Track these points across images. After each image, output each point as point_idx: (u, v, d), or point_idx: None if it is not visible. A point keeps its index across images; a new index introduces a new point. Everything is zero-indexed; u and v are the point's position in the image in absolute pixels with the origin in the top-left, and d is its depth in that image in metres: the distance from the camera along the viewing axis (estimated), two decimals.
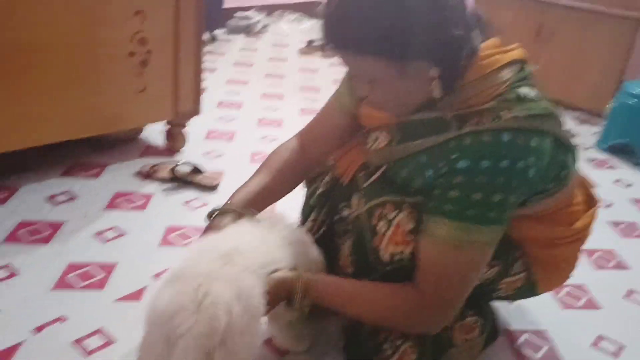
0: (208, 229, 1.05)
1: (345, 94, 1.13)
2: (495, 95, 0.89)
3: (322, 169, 1.22)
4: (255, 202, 1.08)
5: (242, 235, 0.97)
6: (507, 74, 0.91)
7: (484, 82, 0.90)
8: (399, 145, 0.98)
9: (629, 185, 2.16)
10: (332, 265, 1.11)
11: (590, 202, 1.10)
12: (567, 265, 1.11)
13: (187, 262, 0.90)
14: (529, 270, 1.08)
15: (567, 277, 1.12)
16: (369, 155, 1.06)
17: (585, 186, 1.11)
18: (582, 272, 1.51)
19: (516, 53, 0.94)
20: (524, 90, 0.90)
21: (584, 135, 2.67)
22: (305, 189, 1.30)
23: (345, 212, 1.07)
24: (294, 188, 1.21)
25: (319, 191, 1.20)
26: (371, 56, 0.84)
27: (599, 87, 2.82)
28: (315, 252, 1.08)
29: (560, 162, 0.94)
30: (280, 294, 0.96)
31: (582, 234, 1.07)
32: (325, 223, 1.18)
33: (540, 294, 1.14)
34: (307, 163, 1.20)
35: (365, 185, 1.03)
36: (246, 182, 1.14)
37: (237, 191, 1.11)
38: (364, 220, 1.00)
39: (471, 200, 0.86)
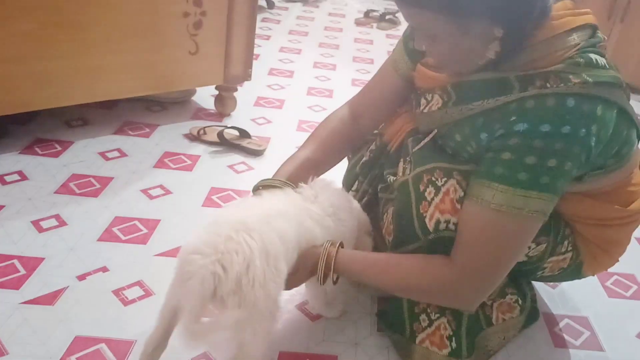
0: None
1: (400, 58, 1.10)
2: (564, 58, 0.85)
3: (369, 137, 1.20)
4: (301, 174, 1.06)
5: (285, 201, 0.97)
6: (578, 37, 0.86)
7: (553, 43, 0.85)
8: (454, 108, 0.94)
9: None
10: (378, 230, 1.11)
11: None
12: (617, 249, 1.05)
13: (226, 211, 0.92)
14: (577, 250, 1.04)
15: (616, 261, 1.07)
16: (419, 119, 1.03)
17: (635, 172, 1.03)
18: (635, 261, 1.44)
19: (588, 17, 0.89)
20: (594, 56, 0.85)
21: None
22: (349, 159, 1.29)
23: (391, 179, 1.05)
24: (343, 158, 1.21)
25: (363, 159, 1.19)
26: (431, 12, 0.81)
27: None
28: (363, 217, 1.09)
29: (623, 137, 0.89)
30: (306, 266, 0.96)
31: (637, 216, 1.01)
32: (368, 192, 1.17)
33: (585, 277, 1.10)
34: (358, 131, 1.18)
35: (414, 150, 1.00)
36: (293, 155, 1.12)
37: (283, 164, 1.10)
38: (411, 185, 0.96)
39: (524, 163, 0.81)
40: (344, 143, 1.17)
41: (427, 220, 0.92)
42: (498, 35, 0.82)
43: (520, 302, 1.09)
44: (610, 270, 1.35)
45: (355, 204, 1.12)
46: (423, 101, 1.03)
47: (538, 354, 1.11)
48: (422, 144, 1.01)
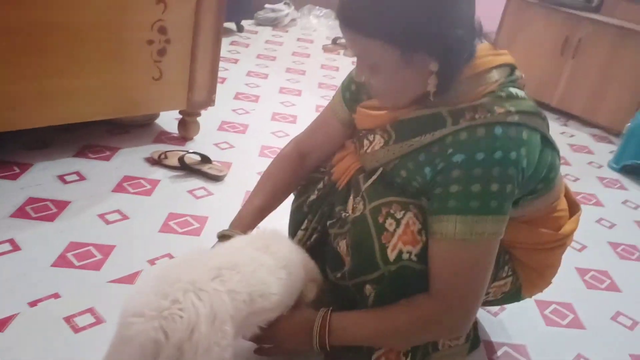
0: None
1: (339, 107, 1.18)
2: (486, 92, 0.93)
3: (316, 176, 1.26)
4: (257, 222, 1.17)
5: (236, 252, 0.97)
6: (497, 74, 0.95)
7: (477, 80, 0.94)
8: (396, 145, 1.01)
9: (636, 207, 2.14)
10: (323, 272, 1.15)
11: (574, 208, 1.13)
12: (550, 270, 1.14)
13: (174, 266, 0.90)
14: (516, 274, 1.12)
15: (549, 282, 1.17)
16: (364, 159, 1.09)
17: (569, 193, 1.15)
18: (572, 291, 1.53)
19: (507, 58, 0.98)
20: (514, 90, 0.95)
21: (600, 153, 2.64)
22: (294, 199, 1.34)
23: (344, 214, 1.09)
24: (289, 195, 1.27)
25: (311, 198, 1.23)
26: (379, 40, 0.87)
27: (620, 106, 2.78)
28: (310, 266, 1.10)
29: (549, 161, 0.98)
30: (297, 336, 1.02)
31: (565, 240, 1.10)
32: (317, 230, 1.21)
33: (523, 299, 1.18)
34: (305, 169, 1.25)
35: (365, 186, 1.05)
36: (248, 202, 1.21)
37: (240, 212, 1.19)
38: (369, 218, 1.00)
39: (472, 192, 0.88)
40: (292, 183, 1.25)
41: (389, 250, 0.97)
42: (434, 69, 0.90)
43: None
44: (548, 299, 1.44)
45: (303, 254, 1.11)
46: (366, 142, 1.09)
47: None
48: (371, 180, 1.06)
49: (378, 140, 1.05)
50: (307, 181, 1.27)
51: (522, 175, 0.91)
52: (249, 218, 1.16)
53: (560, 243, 1.10)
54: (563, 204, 1.11)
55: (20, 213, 1.45)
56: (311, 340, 1.00)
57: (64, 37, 1.56)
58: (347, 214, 1.07)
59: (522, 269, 1.12)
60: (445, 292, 0.93)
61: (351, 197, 1.08)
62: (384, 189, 1.02)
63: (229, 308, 0.84)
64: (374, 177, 1.05)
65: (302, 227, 1.24)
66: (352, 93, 1.17)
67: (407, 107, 1.00)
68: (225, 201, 1.69)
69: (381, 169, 1.05)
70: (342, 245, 1.08)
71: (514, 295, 1.16)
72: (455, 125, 0.92)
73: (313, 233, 1.22)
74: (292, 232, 1.30)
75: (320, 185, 1.21)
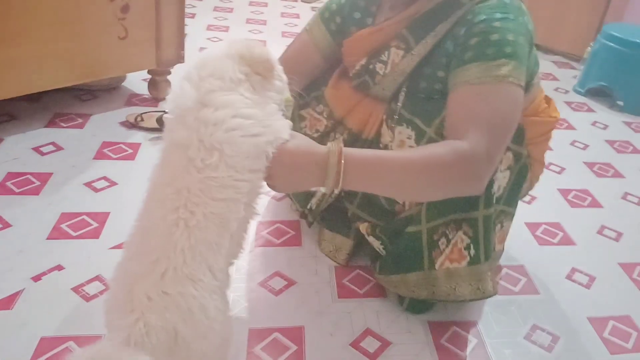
0: None
1: (321, 34, 1.18)
2: None
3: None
4: None
5: None
6: None
7: None
8: (420, 45, 1.03)
9: (605, 127, 2.23)
10: (380, 211, 1.16)
11: (547, 100, 1.20)
12: (539, 166, 1.20)
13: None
14: (531, 169, 1.17)
15: (538, 179, 1.23)
16: (384, 83, 1.10)
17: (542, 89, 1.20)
18: (558, 211, 1.60)
19: None
20: None
21: (564, 78, 2.71)
22: None
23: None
24: None
25: None
26: None
27: (580, 30, 2.83)
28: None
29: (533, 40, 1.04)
30: (308, 169, 0.88)
31: (550, 134, 1.18)
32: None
33: (530, 190, 1.25)
34: None
35: (404, 104, 1.06)
36: None
37: None
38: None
39: (490, 40, 0.94)
40: None
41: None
42: None
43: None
44: (537, 220, 1.51)
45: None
46: (379, 66, 1.09)
47: (483, 302, 1.22)
48: (399, 102, 1.07)
49: (395, 54, 1.07)
50: None
51: (530, 36, 0.99)
52: None
53: (547, 137, 1.18)
54: (542, 95, 1.18)
55: (3, 189, 1.39)
56: (323, 176, 0.88)
57: (17, 2, 1.44)
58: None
59: (532, 164, 1.17)
60: (471, 131, 0.90)
61: (398, 136, 1.07)
62: (420, 105, 1.04)
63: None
64: (400, 101, 1.07)
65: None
66: (338, 25, 1.17)
67: (417, 3, 1.03)
68: None
69: (405, 89, 1.07)
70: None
71: (525, 191, 1.22)
72: (471, 1, 0.99)
73: (331, 194, 1.22)
74: (304, 197, 1.29)
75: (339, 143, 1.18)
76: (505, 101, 0.93)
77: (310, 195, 1.27)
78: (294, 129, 1.24)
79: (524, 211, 1.53)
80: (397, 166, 0.89)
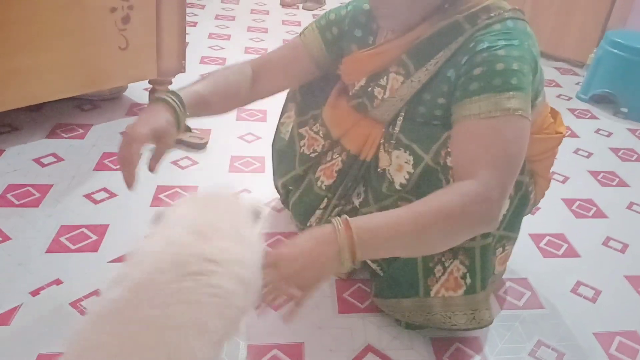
0: (144, 111, 0.99)
1: (314, 40, 1.17)
2: None
3: (304, 164, 1.24)
4: (190, 106, 1.01)
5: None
6: None
7: None
8: (419, 71, 1.02)
9: (609, 135, 2.21)
10: None
11: (553, 113, 1.19)
12: (544, 182, 1.19)
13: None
14: (535, 185, 1.17)
15: (543, 195, 1.22)
16: (383, 107, 1.08)
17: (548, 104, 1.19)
18: (562, 221, 1.58)
19: None
20: None
21: (567, 85, 2.69)
22: (290, 187, 1.33)
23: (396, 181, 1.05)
24: (226, 112, 1.17)
25: (326, 183, 1.20)
26: None
27: (583, 36, 2.82)
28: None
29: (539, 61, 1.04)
30: (321, 260, 0.83)
31: (555, 150, 1.17)
32: (338, 205, 1.20)
33: (535, 205, 1.24)
34: (251, 94, 1.17)
35: (398, 129, 1.06)
36: (192, 84, 1.07)
37: (180, 88, 1.04)
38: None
39: (495, 70, 0.92)
40: (235, 99, 1.15)
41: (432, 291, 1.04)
42: None
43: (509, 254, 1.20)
44: (541, 231, 1.49)
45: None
46: (377, 91, 1.08)
47: None
48: (397, 127, 1.06)
49: (394, 79, 1.05)
50: (283, 157, 1.29)
51: (534, 64, 0.96)
52: (188, 97, 1.01)
53: (552, 153, 1.16)
54: (548, 110, 1.16)
55: (3, 201, 1.39)
56: (337, 257, 0.82)
57: (20, 9, 1.45)
58: (401, 182, 1.04)
59: (536, 180, 1.16)
60: (479, 170, 0.88)
61: (395, 160, 1.05)
62: (418, 130, 1.03)
63: None
64: (398, 124, 1.06)
65: (321, 206, 1.23)
66: (334, 36, 1.16)
67: (418, 28, 1.01)
68: (211, 169, 1.65)
69: (403, 114, 1.06)
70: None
71: (531, 206, 1.21)
72: (474, 27, 0.97)
73: (334, 209, 1.21)
74: (304, 215, 1.28)
75: (337, 164, 1.18)
76: (515, 135, 0.92)
77: (309, 212, 1.26)
78: (293, 147, 1.27)
79: (527, 222, 1.50)
80: (409, 227, 0.85)
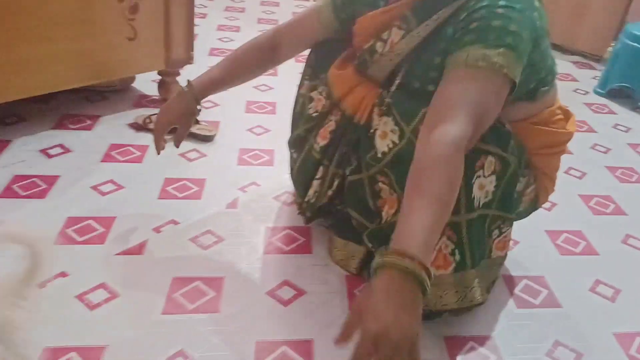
0: (168, 101, 1.28)
1: (328, 12, 1.18)
2: None
3: (301, 116, 1.26)
4: (205, 92, 1.26)
5: None
6: None
7: None
8: (420, 26, 1.01)
9: (627, 130, 2.15)
10: (366, 212, 1.13)
11: (567, 114, 1.16)
12: (555, 175, 1.19)
13: None
14: (536, 182, 1.16)
15: (553, 190, 1.21)
16: (380, 63, 1.08)
17: (558, 100, 1.17)
18: (580, 218, 1.54)
19: None
20: None
21: (583, 79, 2.63)
22: (293, 151, 1.31)
23: (379, 154, 1.05)
24: (246, 81, 1.34)
25: (321, 144, 1.19)
26: None
27: (600, 29, 2.76)
28: None
29: (549, 52, 1.04)
30: (406, 308, 0.74)
31: (570, 139, 1.15)
32: (338, 175, 1.17)
33: (537, 208, 1.24)
34: (271, 63, 1.30)
35: (390, 93, 1.05)
36: (208, 71, 1.28)
37: (200, 75, 1.26)
38: None
39: (492, 26, 0.91)
40: (254, 72, 1.32)
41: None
42: None
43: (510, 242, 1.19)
44: (558, 228, 1.45)
45: None
46: (378, 45, 1.08)
47: (502, 316, 1.17)
48: (394, 86, 1.06)
49: (395, 33, 1.05)
50: (295, 121, 1.30)
51: (535, 33, 0.94)
52: (205, 84, 1.25)
53: (567, 138, 1.14)
54: (559, 108, 1.14)
55: (9, 193, 1.37)
56: (419, 293, 0.77)
57: (27, 2, 1.42)
58: (383, 150, 1.04)
59: (539, 177, 1.16)
60: (450, 113, 0.88)
61: (382, 126, 1.05)
62: (409, 100, 1.02)
63: None
64: (393, 87, 1.06)
65: (317, 176, 1.20)
66: (348, 15, 1.16)
67: None
68: (219, 161, 1.63)
69: (398, 79, 1.05)
70: (384, 188, 1.06)
71: (533, 204, 1.22)
72: None
73: (334, 178, 1.18)
74: (304, 186, 1.26)
75: (331, 125, 1.17)
76: (493, 91, 0.92)
77: (308, 180, 1.24)
78: (303, 111, 1.26)
79: (543, 218, 1.48)
80: (437, 209, 0.83)
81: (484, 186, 1.03)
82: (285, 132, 1.37)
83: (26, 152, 1.54)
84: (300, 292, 1.18)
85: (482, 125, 0.93)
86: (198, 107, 1.25)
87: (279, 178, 1.56)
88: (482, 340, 1.11)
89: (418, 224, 0.81)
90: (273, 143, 1.73)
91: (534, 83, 1.03)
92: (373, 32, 1.08)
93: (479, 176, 1.01)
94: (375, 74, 1.11)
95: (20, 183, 1.41)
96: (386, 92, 1.07)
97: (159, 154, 1.26)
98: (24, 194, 1.37)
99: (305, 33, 1.25)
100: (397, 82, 1.06)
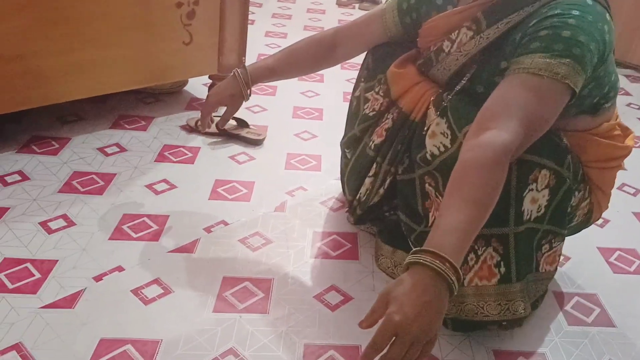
0: (220, 83, 1.35)
1: (393, 16, 1.20)
2: None
3: (357, 116, 1.28)
4: (257, 79, 1.31)
5: None
6: None
7: None
8: (490, 28, 1.01)
9: None
10: (414, 214, 1.13)
11: (625, 130, 1.15)
12: (610, 191, 1.18)
13: None
14: (590, 196, 1.15)
15: (607, 206, 1.21)
16: (446, 63, 1.09)
17: (617, 115, 1.16)
18: (634, 236, 1.49)
19: None
20: None
21: (637, 94, 2.56)
22: (347, 151, 1.32)
23: (428, 154, 1.06)
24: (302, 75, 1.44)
25: (376, 141, 1.21)
26: None
27: None
28: None
29: (614, 68, 1.03)
30: (432, 301, 0.77)
31: (627, 154, 1.14)
32: (390, 172, 1.19)
33: (591, 224, 1.22)
34: (329, 62, 1.32)
35: (448, 99, 1.06)
36: (264, 58, 1.33)
37: (255, 62, 1.33)
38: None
39: (561, 36, 0.90)
40: (311, 67, 1.38)
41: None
42: None
43: (560, 258, 1.16)
44: (611, 246, 1.42)
45: None
46: (446, 44, 1.08)
47: (552, 332, 1.15)
48: (457, 87, 1.07)
49: (464, 34, 1.05)
50: (349, 122, 1.32)
51: (603, 47, 0.94)
52: (259, 70, 1.30)
53: (622, 158, 1.14)
54: (618, 125, 1.13)
55: (68, 188, 1.43)
56: (446, 291, 0.79)
57: (91, 6, 1.50)
58: (432, 152, 1.05)
59: (593, 191, 1.15)
60: (504, 118, 0.89)
61: (433, 126, 1.05)
62: (467, 105, 1.02)
63: None
64: (456, 89, 1.07)
65: (370, 173, 1.22)
66: (413, 20, 1.18)
67: None
68: (268, 165, 1.65)
69: (463, 82, 1.06)
70: (431, 190, 1.07)
71: (586, 219, 1.20)
72: None
73: (386, 176, 1.19)
74: (356, 184, 1.28)
75: (387, 123, 1.18)
76: (553, 100, 0.92)
77: (361, 178, 1.26)
78: (358, 112, 1.28)
79: (596, 235, 1.45)
80: (475, 214, 0.84)
81: (537, 200, 1.02)
82: (331, 137, 1.39)
83: (85, 150, 1.60)
84: (347, 298, 1.18)
85: (534, 135, 0.93)
86: (248, 91, 1.30)
87: (325, 183, 1.57)
88: (532, 356, 1.09)
89: (453, 225, 0.82)
90: (320, 149, 1.75)
91: (597, 98, 1.02)
92: (442, 33, 1.09)
93: (532, 189, 1.00)
94: (438, 74, 1.12)
95: (80, 179, 1.47)
96: (446, 93, 1.08)
97: (203, 130, 1.45)
98: (83, 189, 1.43)
99: (366, 35, 1.27)
100: (461, 83, 1.07)
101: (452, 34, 1.07)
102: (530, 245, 1.05)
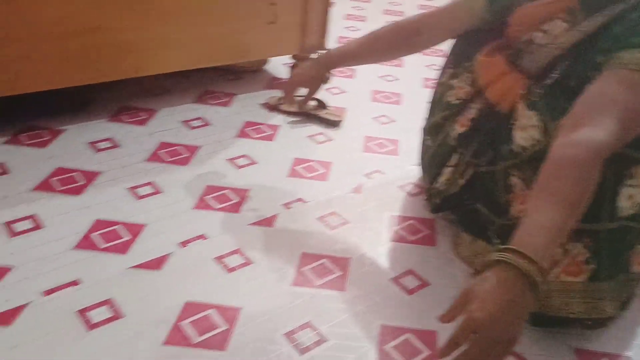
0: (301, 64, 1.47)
1: (482, 3, 1.16)
2: None
3: (444, 111, 1.24)
4: (338, 62, 1.33)
5: None
6: None
7: None
8: (588, 21, 0.96)
9: None
10: (495, 206, 1.10)
11: None
12: None
13: None
14: None
15: None
16: (538, 54, 1.05)
17: None
18: None
19: None
20: None
21: None
22: (427, 138, 1.30)
23: (515, 147, 1.03)
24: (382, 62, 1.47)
25: (460, 131, 1.18)
26: None
27: None
28: None
29: None
30: (516, 303, 0.75)
31: None
32: (473, 164, 1.16)
33: None
34: (413, 48, 1.31)
35: (540, 93, 1.01)
36: (347, 43, 1.35)
37: (338, 47, 1.34)
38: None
39: None
40: (393, 53, 1.34)
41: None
42: None
43: None
44: None
45: None
46: (538, 35, 1.04)
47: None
48: (549, 81, 1.01)
49: (558, 26, 1.01)
50: (432, 108, 1.30)
51: None
52: (340, 54, 1.31)
53: None
54: None
55: (155, 157, 1.48)
56: (530, 293, 0.75)
57: None
58: (522, 145, 1.01)
59: None
60: (598, 115, 0.85)
61: (524, 119, 1.02)
62: (559, 98, 0.97)
63: None
64: (547, 82, 1.01)
65: (451, 163, 1.20)
66: (503, 7, 1.13)
67: None
68: (345, 147, 1.65)
69: (554, 75, 1.01)
70: (518, 183, 1.03)
71: None
72: None
73: (467, 168, 1.17)
74: (435, 172, 1.26)
75: (472, 113, 1.15)
76: None
77: (440, 166, 1.24)
78: (442, 100, 1.25)
79: None
80: (565, 214, 0.80)
81: (633, 196, 0.96)
82: (410, 123, 1.38)
83: (171, 122, 1.66)
84: (424, 283, 1.17)
85: (631, 134, 0.88)
86: (327, 74, 1.33)
87: (403, 168, 1.56)
88: (617, 359, 1.04)
89: (542, 224, 0.79)
90: (397, 134, 1.73)
91: None
92: (534, 23, 1.05)
93: (629, 185, 0.95)
94: (528, 65, 1.08)
95: (166, 150, 1.52)
96: (536, 85, 1.04)
97: (288, 108, 1.59)
98: (169, 159, 1.48)
99: (452, 22, 1.23)
100: (553, 76, 1.02)
101: (544, 26, 1.03)
102: (624, 243, 1.00)
